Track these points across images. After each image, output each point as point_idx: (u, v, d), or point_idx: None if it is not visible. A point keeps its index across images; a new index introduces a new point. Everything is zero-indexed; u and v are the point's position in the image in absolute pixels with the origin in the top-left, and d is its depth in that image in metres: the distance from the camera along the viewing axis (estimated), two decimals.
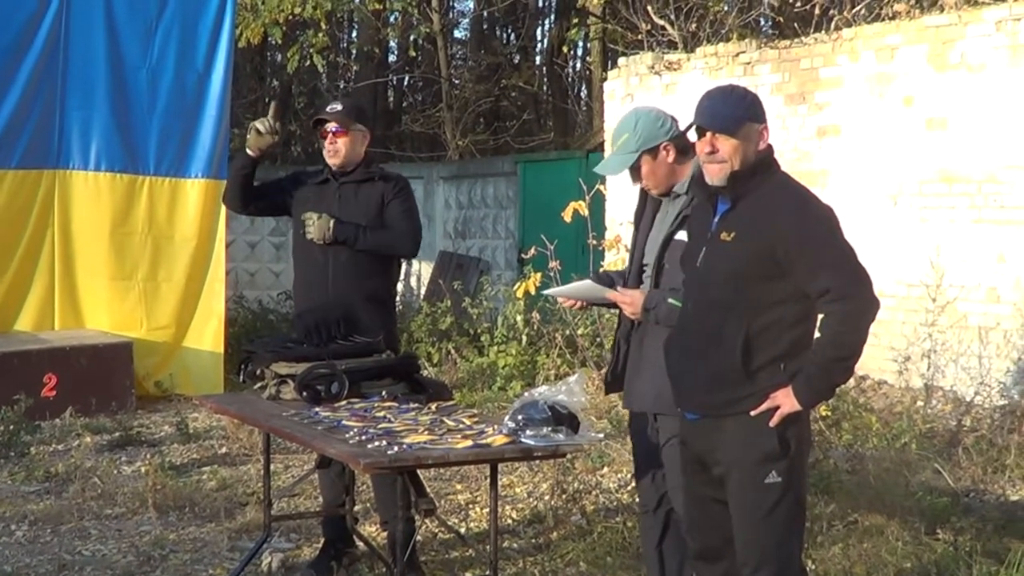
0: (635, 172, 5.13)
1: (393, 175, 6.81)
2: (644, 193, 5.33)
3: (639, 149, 5.07)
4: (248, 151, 6.59)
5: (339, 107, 6.74)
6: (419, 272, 18.36)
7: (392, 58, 27.65)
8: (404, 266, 17.56)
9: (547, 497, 7.79)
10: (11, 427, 9.05)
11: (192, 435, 9.73)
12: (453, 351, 12.80)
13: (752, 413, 4.44)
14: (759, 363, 4.45)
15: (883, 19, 12.15)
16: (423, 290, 17.73)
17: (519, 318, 12.50)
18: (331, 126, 6.58)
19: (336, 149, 6.57)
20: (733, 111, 4.53)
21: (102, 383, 10.72)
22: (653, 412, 5.11)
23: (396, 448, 4.76)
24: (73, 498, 7.89)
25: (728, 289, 4.49)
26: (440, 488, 8.01)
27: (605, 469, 8.42)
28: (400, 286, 17.44)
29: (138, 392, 11.09)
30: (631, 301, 5.06)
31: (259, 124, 6.57)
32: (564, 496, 7.62)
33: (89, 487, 8.12)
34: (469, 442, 4.86)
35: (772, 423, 4.42)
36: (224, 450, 9.36)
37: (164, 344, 11.69)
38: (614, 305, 5.29)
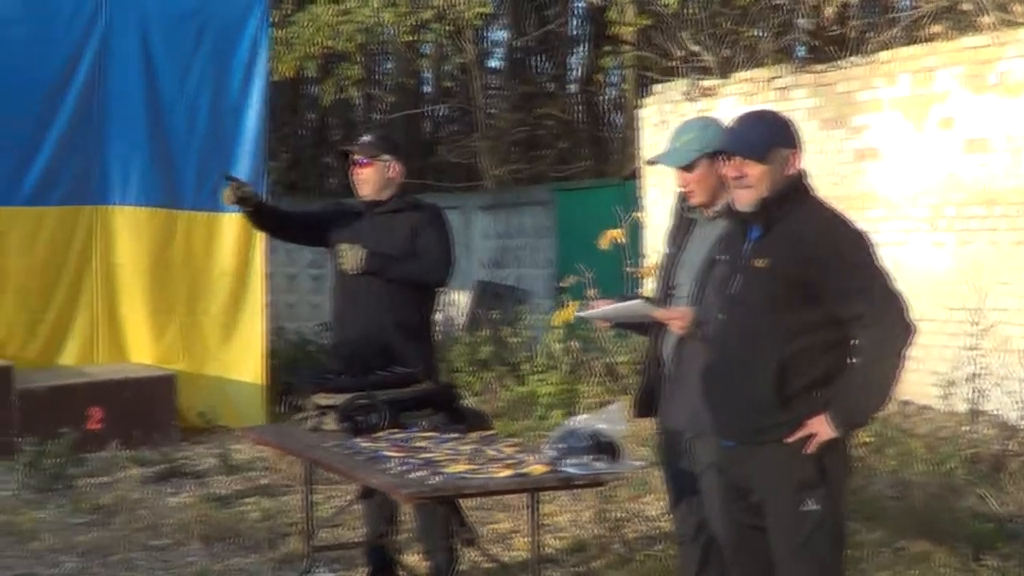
0: (687, 175, 5.14)
1: (426, 204, 6.86)
2: (679, 216, 5.33)
3: (701, 150, 5.08)
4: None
5: (367, 138, 6.83)
6: (457, 302, 18.37)
7: (427, 89, 27.75)
8: (442, 296, 17.66)
9: (589, 525, 7.77)
10: (58, 460, 9.11)
11: (235, 466, 9.77)
12: (493, 381, 12.81)
13: (787, 441, 4.42)
14: (793, 390, 4.43)
15: (919, 41, 12.13)
16: (462, 320, 17.74)
17: (558, 346, 12.50)
18: (356, 157, 6.67)
19: (362, 179, 6.67)
20: (761, 136, 4.53)
21: (146, 416, 10.77)
22: (689, 431, 5.08)
23: (437, 478, 4.76)
24: (120, 529, 7.95)
25: (762, 316, 4.48)
26: (482, 517, 8.00)
27: (647, 497, 8.39)
28: (439, 316, 17.49)
29: (181, 424, 11.14)
30: (681, 316, 5.03)
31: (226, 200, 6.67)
32: (606, 524, 7.60)
33: (135, 519, 8.17)
34: (510, 471, 4.86)
35: (808, 450, 4.40)
36: (267, 481, 9.39)
37: (205, 376, 11.74)
38: (644, 329, 5.30)
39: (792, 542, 4.48)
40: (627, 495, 8.35)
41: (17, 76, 11.17)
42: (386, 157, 6.72)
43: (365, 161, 6.66)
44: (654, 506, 8.22)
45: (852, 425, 4.56)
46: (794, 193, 4.54)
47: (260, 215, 6.83)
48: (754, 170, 4.50)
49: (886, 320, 4.37)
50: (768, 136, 4.55)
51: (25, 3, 11.22)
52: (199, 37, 11.88)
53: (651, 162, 5.36)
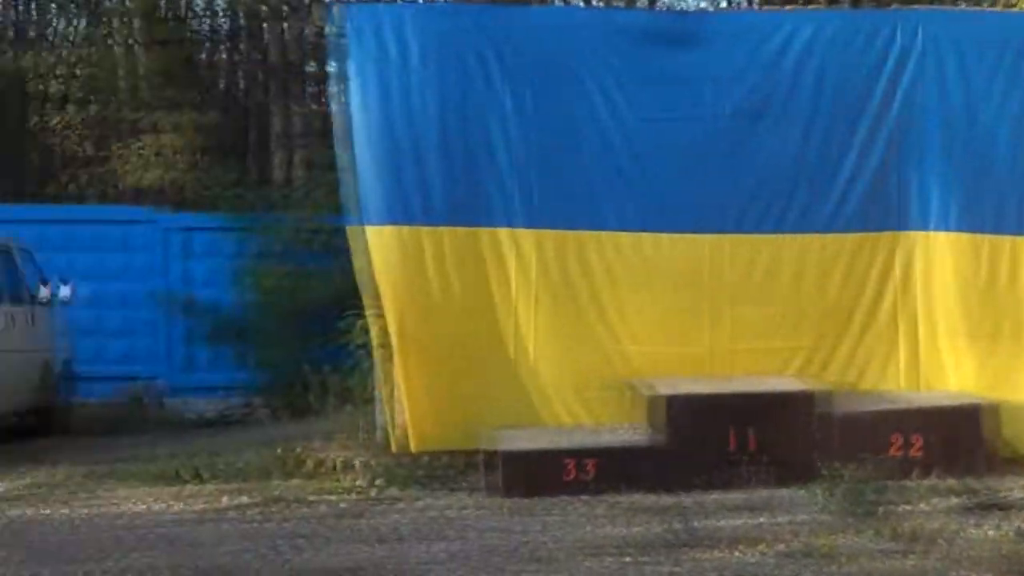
0: None
1: None
2: None
3: None
4: None
5: None
6: None
7: None
8: None
9: None
10: (859, 485, 9.22)
11: None
12: None
13: None
14: None
15: None
16: None
17: None
18: None
19: None
20: None
21: (965, 445, 10.62)
22: None
23: None
24: (918, 560, 7.77)
25: None
26: None
27: None
28: None
29: (1003, 455, 10.83)
30: None
31: None
32: None
33: (935, 549, 7.98)
34: None
35: None
36: None
37: None
38: None
39: None
40: None
41: (832, 106, 11.70)
42: None
43: None
44: None
45: None
46: None
47: None
48: None
49: None
50: None
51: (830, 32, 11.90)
52: (1019, 59, 11.71)
53: None
